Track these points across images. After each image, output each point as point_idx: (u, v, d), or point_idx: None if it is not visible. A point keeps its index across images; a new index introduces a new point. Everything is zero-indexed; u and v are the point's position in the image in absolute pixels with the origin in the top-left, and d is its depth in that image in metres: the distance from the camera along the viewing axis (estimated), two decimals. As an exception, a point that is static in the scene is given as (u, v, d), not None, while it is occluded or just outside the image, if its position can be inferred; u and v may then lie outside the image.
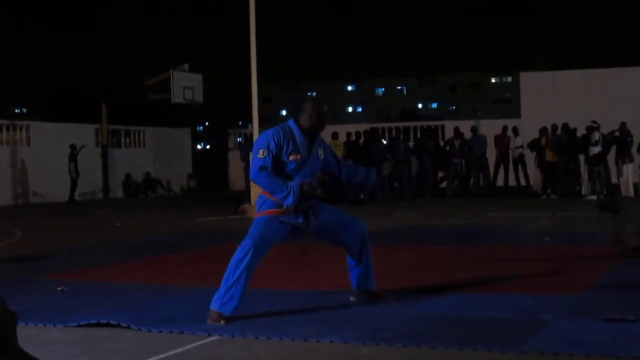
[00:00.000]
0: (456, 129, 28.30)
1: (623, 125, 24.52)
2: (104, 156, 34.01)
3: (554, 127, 25.17)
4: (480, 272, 9.74)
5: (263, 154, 7.30)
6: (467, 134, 27.58)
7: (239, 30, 23.50)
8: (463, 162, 27.17)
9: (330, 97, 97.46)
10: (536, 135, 26.22)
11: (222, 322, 6.96)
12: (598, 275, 9.20)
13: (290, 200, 7.28)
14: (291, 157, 7.35)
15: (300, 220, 7.41)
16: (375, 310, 7.40)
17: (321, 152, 7.62)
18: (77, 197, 30.68)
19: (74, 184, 30.49)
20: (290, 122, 7.50)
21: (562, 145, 24.33)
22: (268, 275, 9.60)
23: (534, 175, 27.10)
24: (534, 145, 26.44)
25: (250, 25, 21.46)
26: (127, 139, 36.39)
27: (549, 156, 24.69)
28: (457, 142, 27.30)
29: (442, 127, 34.33)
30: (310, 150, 7.49)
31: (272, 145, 7.30)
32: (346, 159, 23.26)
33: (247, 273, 7.14)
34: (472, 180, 27.49)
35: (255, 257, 7.19)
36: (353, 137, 27.47)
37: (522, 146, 27.96)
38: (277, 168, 7.34)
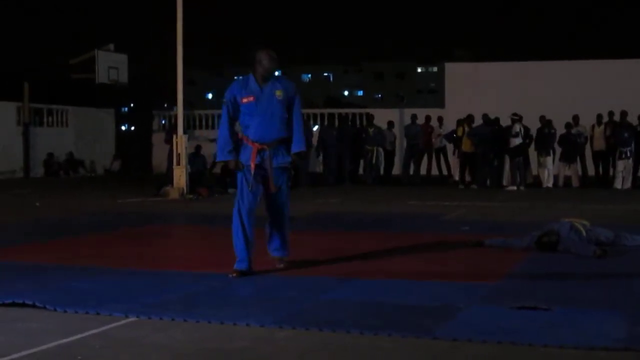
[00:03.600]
0: (369, 116, 28.46)
1: (543, 118, 24.86)
2: (26, 135, 33.50)
3: (472, 117, 25.32)
4: (397, 259, 9.83)
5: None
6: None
7: (167, 12, 23.32)
8: (375, 149, 27.16)
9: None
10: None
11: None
12: (513, 265, 9.33)
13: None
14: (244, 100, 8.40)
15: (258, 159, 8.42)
16: (292, 295, 7.45)
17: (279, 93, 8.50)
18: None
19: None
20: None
21: (481, 136, 24.53)
22: (185, 258, 9.60)
23: (453, 165, 27.38)
24: (450, 136, 26.71)
25: (177, 6, 21.38)
26: (50, 118, 35.83)
27: (467, 146, 24.89)
28: (370, 130, 27.25)
29: (367, 114, 34.44)
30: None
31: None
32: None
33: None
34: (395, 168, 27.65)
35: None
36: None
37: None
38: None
